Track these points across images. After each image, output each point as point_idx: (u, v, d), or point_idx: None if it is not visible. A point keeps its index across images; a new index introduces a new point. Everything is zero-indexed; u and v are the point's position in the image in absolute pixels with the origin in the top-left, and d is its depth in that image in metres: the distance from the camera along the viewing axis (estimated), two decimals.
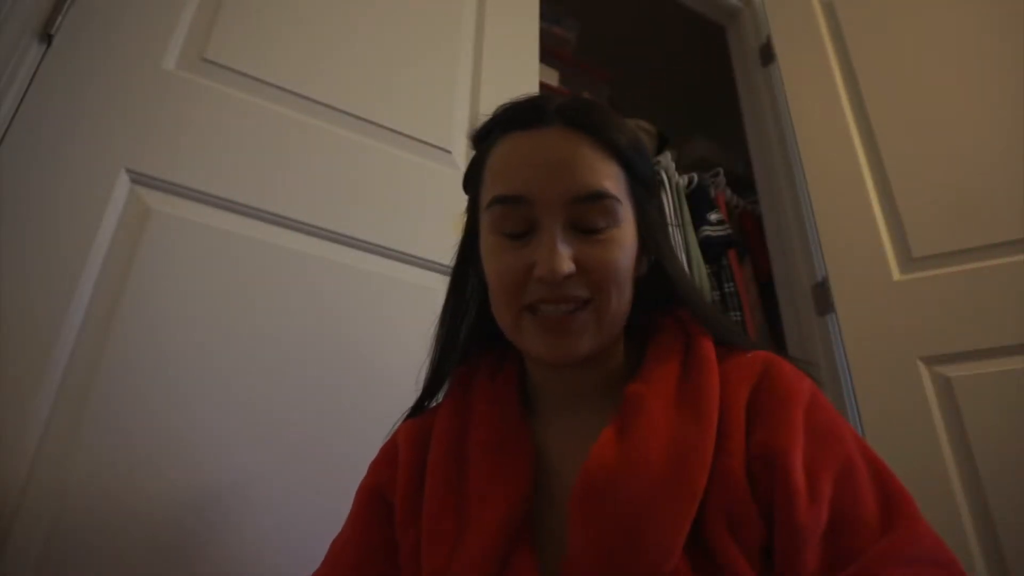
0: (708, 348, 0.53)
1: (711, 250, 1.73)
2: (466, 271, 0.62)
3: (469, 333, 0.63)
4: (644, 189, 0.57)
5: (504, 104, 0.58)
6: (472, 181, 0.60)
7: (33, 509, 0.66)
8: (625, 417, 0.50)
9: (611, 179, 0.53)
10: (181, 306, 0.80)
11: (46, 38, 0.84)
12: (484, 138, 0.58)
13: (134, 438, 0.73)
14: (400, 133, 1.07)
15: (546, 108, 0.54)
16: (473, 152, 0.60)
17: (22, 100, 0.79)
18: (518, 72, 1.27)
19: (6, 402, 0.68)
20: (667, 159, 1.82)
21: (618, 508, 0.44)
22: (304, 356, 0.87)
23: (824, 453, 0.46)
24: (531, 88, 1.27)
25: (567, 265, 0.49)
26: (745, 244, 1.91)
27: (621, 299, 0.53)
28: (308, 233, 0.93)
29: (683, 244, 1.67)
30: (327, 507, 0.63)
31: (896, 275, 1.21)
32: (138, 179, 0.83)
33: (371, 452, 0.64)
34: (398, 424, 0.63)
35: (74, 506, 0.68)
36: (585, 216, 0.51)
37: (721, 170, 1.98)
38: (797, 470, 0.44)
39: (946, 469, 1.03)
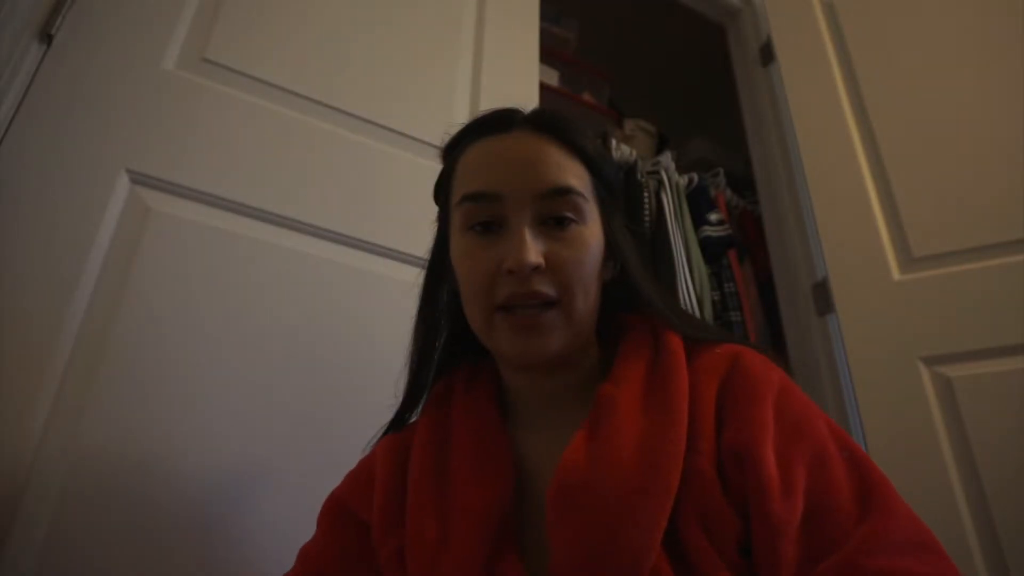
0: (676, 344, 0.54)
1: (711, 250, 1.73)
2: (438, 283, 0.62)
3: (444, 346, 0.63)
4: (609, 193, 0.58)
5: (473, 118, 0.60)
6: (442, 191, 0.61)
7: (33, 509, 0.66)
8: (596, 419, 0.50)
9: (577, 177, 0.54)
10: (181, 306, 0.80)
11: (46, 38, 0.84)
12: (453, 149, 0.60)
13: (134, 438, 0.73)
14: (400, 133, 1.07)
15: (514, 116, 0.57)
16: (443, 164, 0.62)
17: (22, 100, 0.79)
18: (518, 71, 1.27)
19: (6, 402, 0.68)
20: (667, 159, 1.82)
21: (592, 509, 0.45)
22: (304, 355, 0.87)
23: (796, 444, 0.46)
24: (531, 88, 1.27)
25: (535, 256, 0.50)
26: (745, 244, 1.91)
27: (588, 299, 0.53)
28: (308, 233, 0.93)
29: (683, 244, 1.67)
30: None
31: (896, 275, 1.21)
32: (138, 179, 0.83)
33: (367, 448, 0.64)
34: (376, 439, 0.63)
35: (73, 506, 0.68)
36: (552, 212, 0.53)
37: (721, 170, 1.98)
38: (769, 464, 0.44)
39: (946, 469, 1.03)
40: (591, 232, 0.54)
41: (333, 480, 0.62)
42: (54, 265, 0.74)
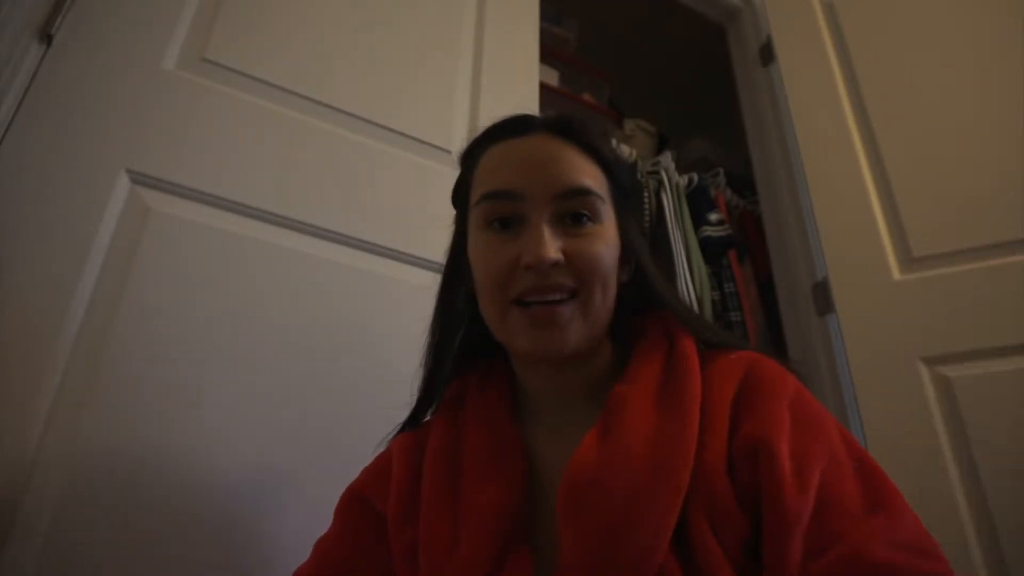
0: (690, 347, 0.54)
1: (711, 250, 1.73)
2: (455, 286, 0.63)
3: (460, 346, 0.64)
4: (624, 198, 0.59)
5: (491, 124, 0.61)
6: (459, 194, 0.62)
7: (33, 511, 0.66)
8: (608, 418, 0.50)
9: (594, 179, 0.56)
10: (180, 306, 0.80)
11: (46, 38, 0.84)
12: (470, 154, 0.61)
13: (133, 438, 0.73)
14: (400, 133, 1.07)
15: (532, 120, 0.59)
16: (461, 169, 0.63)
17: (22, 100, 0.79)
18: (518, 71, 1.27)
19: (6, 403, 0.68)
20: (667, 159, 1.82)
21: (602, 507, 0.45)
22: (304, 355, 0.87)
23: (811, 445, 0.46)
24: (531, 87, 1.27)
25: (554, 252, 0.51)
26: (745, 244, 1.91)
27: (605, 294, 0.54)
28: (308, 233, 0.93)
29: (683, 244, 1.67)
30: (328, 502, 0.63)
31: (896, 275, 1.21)
32: (138, 179, 0.83)
33: (370, 448, 0.64)
34: (392, 436, 0.64)
35: (73, 507, 0.68)
36: (570, 211, 0.54)
37: (721, 170, 1.99)
38: (784, 458, 0.45)
39: (946, 469, 1.03)
40: (607, 231, 0.55)
41: (333, 477, 0.63)
42: (54, 265, 0.74)
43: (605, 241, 0.54)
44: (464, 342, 0.64)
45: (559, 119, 0.58)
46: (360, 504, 0.60)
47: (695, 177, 1.85)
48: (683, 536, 0.44)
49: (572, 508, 0.46)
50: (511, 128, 0.59)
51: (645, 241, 0.61)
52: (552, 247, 0.51)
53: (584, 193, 0.54)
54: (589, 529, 0.45)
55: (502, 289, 0.53)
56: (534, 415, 0.59)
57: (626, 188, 0.60)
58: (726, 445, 0.47)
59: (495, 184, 0.55)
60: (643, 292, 0.59)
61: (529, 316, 0.52)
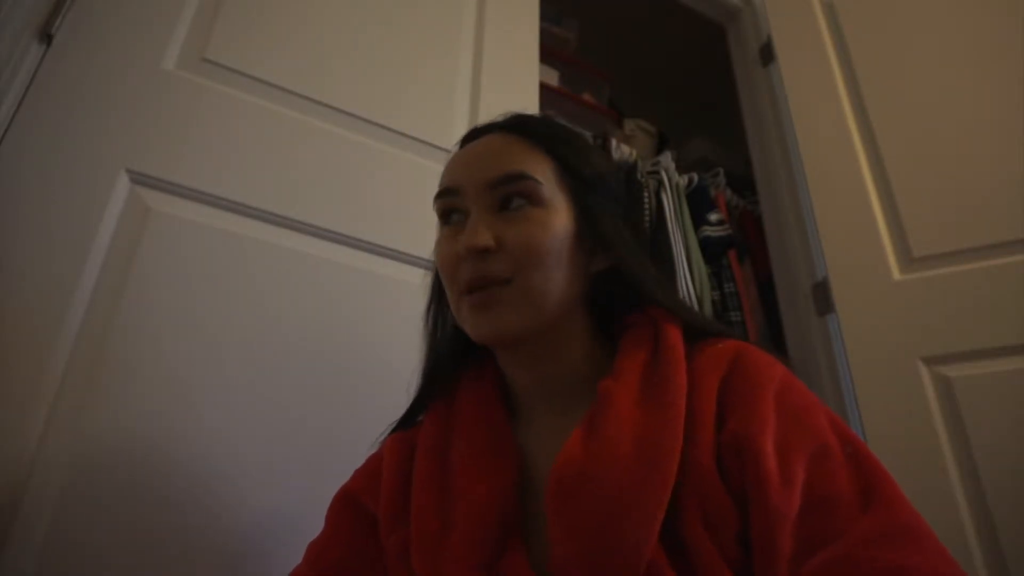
0: (675, 338, 0.54)
1: (711, 250, 1.73)
2: (441, 287, 0.63)
3: (455, 345, 0.64)
4: (584, 185, 0.58)
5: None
6: None
7: (33, 511, 0.66)
8: (593, 413, 0.51)
9: (534, 167, 0.56)
10: (181, 306, 0.80)
11: (46, 38, 0.84)
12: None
13: (133, 437, 0.73)
14: (400, 133, 1.07)
15: (493, 123, 0.62)
16: None
17: (22, 100, 0.79)
18: (518, 71, 1.27)
19: (6, 402, 0.68)
20: (667, 159, 1.82)
21: (590, 502, 0.45)
22: (303, 355, 0.87)
23: (797, 436, 0.46)
24: (531, 87, 1.27)
25: (483, 239, 0.52)
26: (745, 244, 1.91)
27: (548, 278, 0.53)
28: (308, 233, 0.93)
29: (683, 244, 1.67)
30: (327, 503, 0.63)
31: (896, 275, 1.21)
32: (138, 179, 0.83)
33: (369, 446, 0.64)
34: (384, 435, 0.64)
35: (74, 508, 0.68)
36: (504, 197, 0.55)
37: (721, 170, 1.99)
38: (768, 455, 0.44)
39: (946, 469, 1.03)
40: (550, 215, 0.55)
41: (332, 477, 0.63)
42: (54, 265, 0.74)
43: (543, 224, 0.54)
44: (459, 341, 0.64)
45: (515, 118, 0.61)
46: (352, 505, 0.60)
47: (695, 177, 1.85)
48: (675, 532, 0.44)
49: (560, 503, 0.46)
50: (472, 134, 0.62)
51: (630, 234, 0.60)
52: (482, 234, 0.52)
53: (516, 178, 0.55)
54: (577, 524, 0.45)
55: (454, 281, 0.55)
56: (525, 411, 0.59)
57: (584, 175, 0.58)
58: (714, 439, 0.47)
59: (442, 183, 0.59)
60: (628, 283, 0.58)
61: (471, 302, 0.53)
